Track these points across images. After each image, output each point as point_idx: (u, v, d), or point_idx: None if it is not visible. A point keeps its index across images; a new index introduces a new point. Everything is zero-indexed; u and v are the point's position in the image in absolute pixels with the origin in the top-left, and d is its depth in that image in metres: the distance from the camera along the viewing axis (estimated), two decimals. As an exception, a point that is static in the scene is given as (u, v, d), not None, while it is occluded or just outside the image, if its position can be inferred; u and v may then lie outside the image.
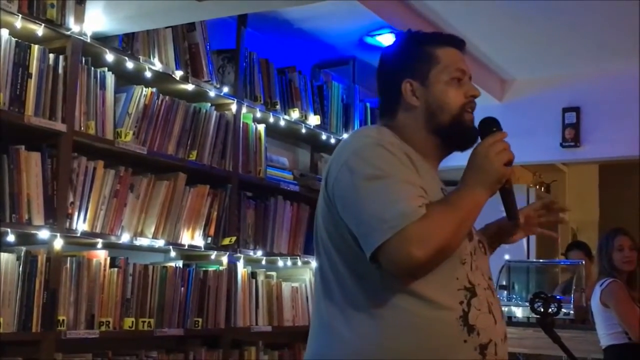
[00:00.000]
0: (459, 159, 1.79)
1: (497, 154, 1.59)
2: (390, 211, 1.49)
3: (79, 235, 2.85)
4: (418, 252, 1.47)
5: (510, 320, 4.92)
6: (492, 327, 1.62)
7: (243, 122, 3.71)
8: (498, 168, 1.59)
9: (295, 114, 4.05)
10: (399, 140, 1.65)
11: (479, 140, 1.67)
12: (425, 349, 1.54)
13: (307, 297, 4.03)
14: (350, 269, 1.61)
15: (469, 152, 1.70)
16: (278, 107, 3.95)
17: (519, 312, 5.08)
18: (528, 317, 4.85)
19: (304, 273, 4.09)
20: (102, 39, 2.99)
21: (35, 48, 2.73)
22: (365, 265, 1.56)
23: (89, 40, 2.92)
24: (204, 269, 3.44)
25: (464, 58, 1.78)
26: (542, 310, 2.25)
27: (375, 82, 1.82)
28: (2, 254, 2.59)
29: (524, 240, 6.00)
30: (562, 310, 4.21)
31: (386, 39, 4.29)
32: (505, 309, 5.23)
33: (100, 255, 2.94)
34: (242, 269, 3.63)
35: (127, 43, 3.11)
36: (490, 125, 1.68)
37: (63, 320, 2.75)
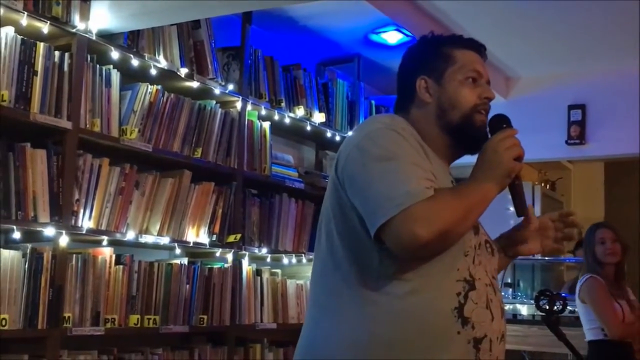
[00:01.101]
0: (469, 157, 1.80)
1: (506, 149, 1.60)
2: (397, 190, 1.50)
3: (84, 232, 2.85)
4: (422, 231, 1.47)
5: (516, 318, 4.92)
6: (489, 323, 1.61)
7: (248, 119, 3.71)
8: (507, 162, 1.59)
9: (300, 112, 4.05)
10: (412, 129, 1.68)
11: (489, 137, 1.68)
12: (417, 337, 1.55)
13: (312, 295, 4.03)
14: (350, 252, 1.61)
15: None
16: (283, 104, 3.95)
17: (524, 309, 5.09)
18: (533, 315, 4.85)
19: (309, 270, 4.07)
20: (108, 37, 3.00)
21: (41, 46, 2.74)
22: (365, 249, 1.58)
23: (94, 38, 2.92)
24: (209, 266, 3.44)
25: (483, 62, 1.80)
26: (547, 307, 2.24)
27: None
28: (8, 251, 2.60)
29: (529, 238, 5.98)
30: (568, 307, 4.20)
31: (391, 37, 4.28)
32: (510, 306, 5.24)
33: (106, 253, 2.95)
34: (247, 267, 3.63)
35: (132, 40, 3.11)
36: (501, 122, 1.69)
37: (68, 317, 2.76)
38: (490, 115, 1.75)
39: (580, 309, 4.01)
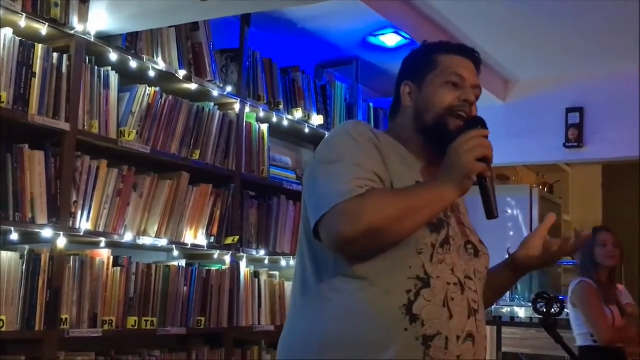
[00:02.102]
0: None
1: (469, 150, 1.57)
2: (331, 189, 1.55)
3: (82, 234, 2.85)
4: (345, 227, 1.49)
5: (513, 321, 4.92)
6: (445, 321, 1.58)
7: (246, 121, 3.72)
8: (466, 163, 1.57)
9: (298, 114, 4.05)
10: (372, 132, 1.68)
11: None
12: (366, 334, 1.55)
13: (309, 297, 4.03)
14: (313, 255, 1.66)
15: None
16: (281, 106, 3.95)
17: (521, 312, 5.09)
18: (531, 318, 4.85)
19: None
20: (106, 39, 3.00)
21: (39, 47, 2.74)
22: (323, 250, 1.61)
23: (92, 40, 2.92)
24: (206, 268, 3.45)
25: (471, 67, 1.78)
26: (544, 310, 2.24)
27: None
28: (5, 252, 2.60)
29: (527, 241, 5.99)
30: (565, 310, 4.20)
31: (389, 39, 4.29)
32: (508, 309, 5.24)
33: (103, 254, 2.95)
34: (244, 269, 3.64)
35: (130, 42, 3.11)
36: (475, 123, 1.66)
37: (66, 318, 2.76)
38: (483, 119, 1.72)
39: (571, 313, 4.01)
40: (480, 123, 1.66)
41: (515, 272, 1.89)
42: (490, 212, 1.66)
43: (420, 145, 1.74)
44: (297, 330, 1.67)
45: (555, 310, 2.27)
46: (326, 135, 1.80)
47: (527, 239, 1.87)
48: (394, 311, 1.56)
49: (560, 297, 2.89)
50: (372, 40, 4.34)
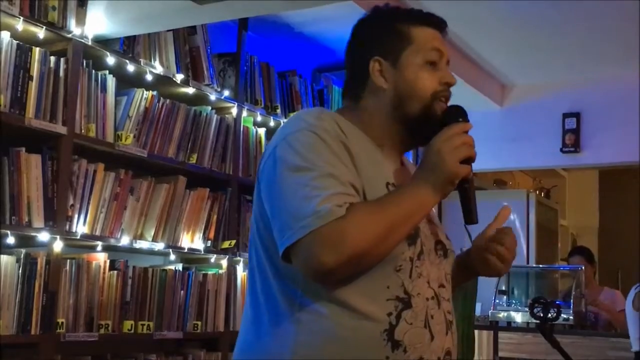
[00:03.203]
0: None
1: (452, 150, 1.41)
2: (306, 209, 1.34)
3: (78, 237, 2.85)
4: (328, 257, 1.31)
5: (510, 326, 4.92)
6: (426, 344, 1.44)
7: (243, 125, 3.72)
8: (450, 166, 1.40)
9: (295, 118, 4.04)
10: (339, 125, 1.46)
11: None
12: None
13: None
14: (274, 266, 1.45)
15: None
16: (279, 110, 3.95)
17: (518, 317, 5.08)
18: (527, 322, 4.85)
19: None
20: (103, 42, 3.00)
21: (37, 50, 2.74)
22: (290, 266, 1.40)
23: (90, 43, 2.92)
24: (203, 272, 3.44)
25: (443, 40, 1.58)
26: (541, 315, 2.25)
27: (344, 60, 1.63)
28: (1, 256, 2.59)
29: (524, 245, 6.00)
30: (563, 315, 4.21)
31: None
32: (504, 313, 5.24)
33: (100, 258, 2.94)
34: (241, 273, 3.63)
35: (128, 46, 3.11)
36: (456, 115, 1.49)
37: (62, 322, 2.75)
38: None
39: (631, 316, 4.00)
40: (461, 115, 1.48)
41: (463, 271, 1.68)
42: (471, 218, 1.51)
43: (394, 134, 1.55)
44: (260, 349, 1.46)
45: (552, 315, 2.28)
46: (283, 125, 1.53)
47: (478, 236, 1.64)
48: (375, 338, 1.39)
49: (557, 302, 2.90)
50: (370, 44, 4.33)
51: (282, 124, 3.94)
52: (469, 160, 1.43)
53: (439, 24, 1.58)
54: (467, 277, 1.72)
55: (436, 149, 1.42)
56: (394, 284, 1.42)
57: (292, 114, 4.02)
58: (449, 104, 1.55)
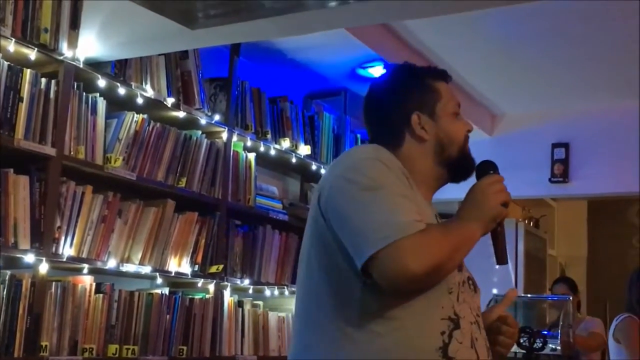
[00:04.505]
0: (453, 192, 1.85)
1: (495, 193, 1.61)
2: (387, 221, 1.47)
3: (64, 260, 2.83)
4: (414, 264, 1.44)
5: (497, 355, 4.91)
6: None
7: (233, 150, 3.72)
8: (494, 206, 1.60)
9: (285, 144, 4.06)
10: (397, 161, 1.65)
11: (476, 180, 1.71)
12: None
13: (293, 327, 4.01)
14: (332, 291, 1.57)
15: (462, 184, 1.76)
16: (269, 136, 3.96)
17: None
18: (515, 352, 4.83)
19: (291, 303, 4.07)
20: (95, 65, 3.01)
21: (28, 72, 2.74)
22: (347, 284, 1.54)
23: (81, 66, 2.93)
24: (190, 296, 3.42)
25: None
26: (527, 345, 2.24)
27: (369, 109, 1.82)
28: (-14, 277, 2.57)
29: (512, 275, 6.00)
30: (550, 345, 4.20)
31: (378, 71, 4.32)
32: (492, 343, 5.21)
33: (86, 281, 2.92)
34: (228, 298, 3.61)
35: (119, 69, 3.12)
36: (488, 168, 1.71)
37: (46, 345, 2.72)
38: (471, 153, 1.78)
39: (612, 349, 4.00)
40: (493, 168, 1.71)
41: None
42: (502, 259, 1.68)
43: (434, 176, 1.75)
44: None
45: (537, 345, 2.27)
46: (341, 158, 1.70)
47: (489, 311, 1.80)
48: (430, 354, 1.51)
49: (544, 332, 2.89)
50: (361, 72, 4.37)
51: (271, 149, 3.95)
52: (505, 205, 1.63)
53: (448, 77, 1.83)
54: None
55: (481, 190, 1.62)
56: (446, 304, 1.57)
57: (282, 140, 4.04)
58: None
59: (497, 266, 1.75)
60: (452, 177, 1.77)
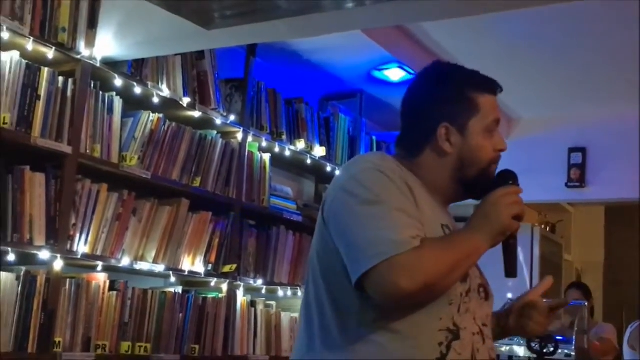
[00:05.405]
0: None
1: (507, 205, 1.56)
2: (382, 237, 1.45)
3: (79, 257, 2.85)
4: (405, 282, 1.42)
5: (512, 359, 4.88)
6: None
7: (248, 150, 3.73)
8: (505, 219, 1.55)
9: (300, 145, 4.07)
10: (401, 169, 1.61)
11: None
12: None
13: (306, 328, 4.01)
14: (332, 298, 1.56)
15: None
16: (284, 137, 3.97)
17: (521, 351, 5.04)
18: (529, 357, 4.81)
19: (304, 304, 4.07)
20: (112, 64, 3.03)
21: (45, 70, 2.77)
22: (346, 296, 1.53)
23: (98, 65, 2.95)
24: (203, 295, 3.44)
25: (498, 105, 1.73)
26: (538, 349, 2.23)
27: (402, 108, 1.74)
28: (2, 273, 2.60)
29: (527, 279, 5.97)
30: (565, 351, 4.17)
31: (394, 74, 4.32)
32: (507, 347, 5.20)
33: (100, 278, 2.95)
34: (241, 297, 3.63)
35: (136, 69, 3.14)
36: (508, 178, 1.65)
37: (59, 341, 2.74)
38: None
39: (627, 355, 3.98)
40: (512, 178, 1.65)
41: (504, 329, 1.85)
42: (512, 272, 1.65)
43: (449, 190, 1.68)
44: None
45: (549, 350, 2.26)
46: (345, 167, 1.67)
47: (520, 301, 1.82)
48: None
49: (556, 337, 2.87)
50: (377, 74, 4.37)
51: (286, 150, 3.96)
52: (518, 218, 1.57)
53: (497, 90, 1.71)
54: (500, 336, 1.85)
55: (493, 202, 1.57)
56: (446, 316, 1.54)
57: (297, 141, 4.04)
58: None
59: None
60: (467, 194, 1.71)
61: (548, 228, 7.11)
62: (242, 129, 3.67)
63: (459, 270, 1.52)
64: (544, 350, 2.23)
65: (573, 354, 4.49)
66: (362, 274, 1.46)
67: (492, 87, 1.71)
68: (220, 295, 3.51)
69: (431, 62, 1.80)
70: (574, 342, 4.56)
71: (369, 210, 1.50)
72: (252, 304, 3.74)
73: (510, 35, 4.06)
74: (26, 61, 2.72)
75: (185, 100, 3.36)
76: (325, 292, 1.58)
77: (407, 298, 1.45)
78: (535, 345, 2.26)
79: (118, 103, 3.08)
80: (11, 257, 2.64)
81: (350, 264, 1.50)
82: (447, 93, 1.68)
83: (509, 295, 5.18)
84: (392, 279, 1.43)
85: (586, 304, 4.88)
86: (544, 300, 1.81)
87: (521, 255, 6.05)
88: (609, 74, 4.51)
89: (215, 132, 3.56)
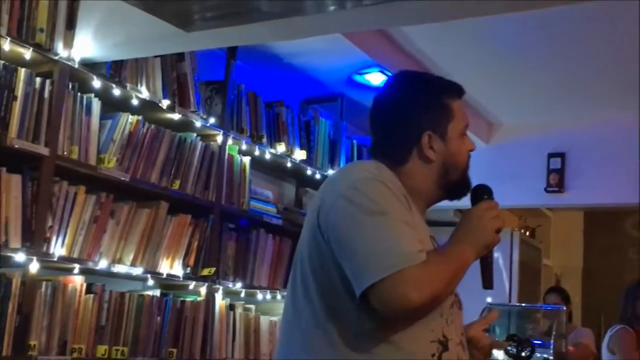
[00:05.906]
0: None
1: (491, 219, 1.62)
2: (390, 249, 1.47)
3: (55, 259, 2.83)
4: (414, 295, 1.44)
5: (490, 364, 4.90)
6: None
7: (228, 153, 3.72)
8: (490, 232, 1.62)
9: (281, 148, 4.06)
10: (396, 179, 1.63)
11: (471, 205, 1.71)
12: None
13: (285, 332, 4.00)
14: (328, 307, 1.56)
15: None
16: (264, 140, 3.96)
17: (500, 355, 5.06)
18: (506, 361, 4.83)
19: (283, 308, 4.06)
20: (90, 65, 3.01)
21: (22, 71, 2.74)
22: (343, 305, 1.53)
23: (76, 66, 2.93)
24: (181, 299, 3.42)
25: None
26: (514, 352, 2.24)
27: (377, 118, 1.77)
28: (-24, 275, 2.57)
29: (507, 284, 6.00)
30: (543, 355, 4.19)
31: (375, 78, 4.33)
32: (485, 352, 5.20)
33: (77, 281, 2.92)
34: (220, 301, 3.61)
35: (115, 70, 3.12)
36: (483, 193, 1.72)
37: (35, 345, 2.71)
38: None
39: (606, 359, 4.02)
40: (488, 193, 1.72)
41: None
42: (489, 284, 1.71)
43: (432, 196, 1.74)
44: None
45: (525, 354, 2.27)
46: (342, 174, 1.67)
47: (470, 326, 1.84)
48: None
49: (534, 341, 2.88)
50: (358, 78, 4.37)
51: (266, 153, 3.95)
52: (498, 231, 1.64)
53: (462, 93, 1.79)
54: None
55: (479, 216, 1.63)
56: (436, 327, 1.58)
57: (277, 144, 4.03)
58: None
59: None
60: (448, 197, 1.77)
61: (528, 233, 7.15)
62: (222, 131, 3.66)
63: (455, 282, 1.57)
64: (522, 354, 2.23)
65: (551, 358, 4.52)
66: (368, 286, 1.46)
67: (460, 91, 1.78)
68: (199, 299, 3.49)
69: (397, 71, 1.85)
70: (552, 347, 4.59)
71: (374, 220, 1.50)
72: (231, 307, 3.72)
73: (491, 42, 4.07)
74: (3, 62, 2.69)
75: (165, 103, 3.34)
76: (320, 301, 1.57)
77: (414, 311, 1.49)
78: (511, 349, 2.27)
79: (96, 104, 3.05)
80: (-14, 260, 2.61)
81: (354, 274, 1.50)
82: (426, 101, 1.72)
83: (489, 300, 5.21)
84: (402, 291, 1.44)
85: (564, 308, 4.92)
86: (486, 335, 1.83)
87: (500, 260, 6.08)
88: (588, 80, 4.55)
89: (194, 134, 3.55)
